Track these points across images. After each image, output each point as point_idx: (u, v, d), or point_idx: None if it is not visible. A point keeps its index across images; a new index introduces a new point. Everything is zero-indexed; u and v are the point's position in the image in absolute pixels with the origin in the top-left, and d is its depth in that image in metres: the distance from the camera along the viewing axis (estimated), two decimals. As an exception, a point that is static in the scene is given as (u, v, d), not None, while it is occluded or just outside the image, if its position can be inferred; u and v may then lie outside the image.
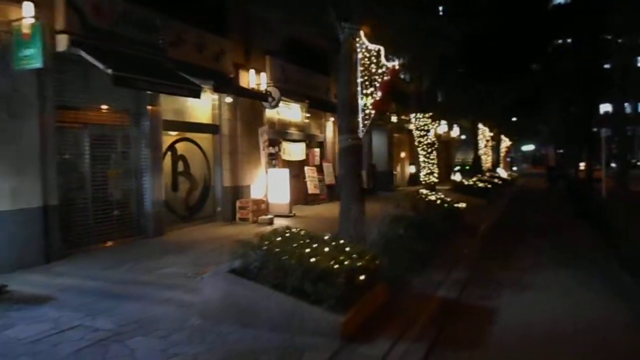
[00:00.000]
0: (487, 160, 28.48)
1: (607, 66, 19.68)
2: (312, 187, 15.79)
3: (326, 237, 5.33)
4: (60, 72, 7.64)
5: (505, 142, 37.30)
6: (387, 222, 6.65)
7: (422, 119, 13.29)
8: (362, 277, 4.74)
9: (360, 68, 7.78)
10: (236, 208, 11.71)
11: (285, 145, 14.73)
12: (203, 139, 11.57)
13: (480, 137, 24.92)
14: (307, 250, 4.76)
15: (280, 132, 14.52)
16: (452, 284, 6.40)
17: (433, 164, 13.54)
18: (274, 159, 14.28)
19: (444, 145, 35.46)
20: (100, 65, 7.27)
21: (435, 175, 13.64)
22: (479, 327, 5.03)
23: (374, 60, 7.80)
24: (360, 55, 7.77)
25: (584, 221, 12.11)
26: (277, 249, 4.76)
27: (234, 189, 11.89)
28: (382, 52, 7.79)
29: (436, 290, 6.07)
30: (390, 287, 5.55)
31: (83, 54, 7.36)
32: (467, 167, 30.18)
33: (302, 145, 15.77)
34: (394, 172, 24.83)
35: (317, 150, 16.74)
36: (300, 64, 14.86)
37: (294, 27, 12.32)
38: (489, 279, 6.95)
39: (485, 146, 26.38)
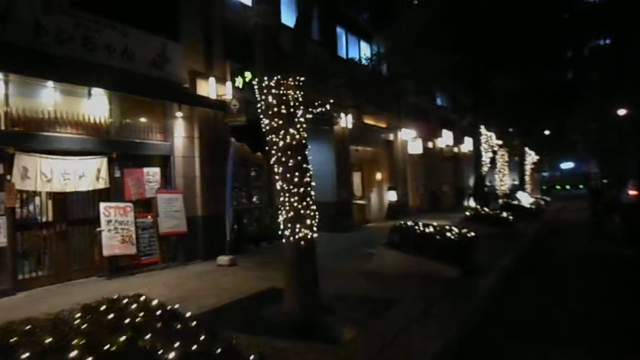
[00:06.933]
0: (502, 181, 20.02)
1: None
2: (115, 243, 8.09)
3: None
4: None
5: (531, 157, 28.51)
6: None
7: (273, 90, 5.46)
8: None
9: None
10: None
11: (31, 161, 7.16)
12: None
13: (484, 146, 16.59)
14: None
15: (13, 135, 7.01)
16: None
17: (304, 194, 5.60)
18: (-15, 192, 6.73)
19: (452, 162, 27.21)
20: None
21: (312, 222, 5.69)
22: None
23: None
24: None
25: None
26: None
27: None
28: None
29: None
30: None
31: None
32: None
33: (96, 161, 8.15)
34: (358, 202, 16.91)
35: (147, 172, 9.09)
36: (86, 7, 7.49)
37: None
38: None
39: (494, 160, 18.01)
